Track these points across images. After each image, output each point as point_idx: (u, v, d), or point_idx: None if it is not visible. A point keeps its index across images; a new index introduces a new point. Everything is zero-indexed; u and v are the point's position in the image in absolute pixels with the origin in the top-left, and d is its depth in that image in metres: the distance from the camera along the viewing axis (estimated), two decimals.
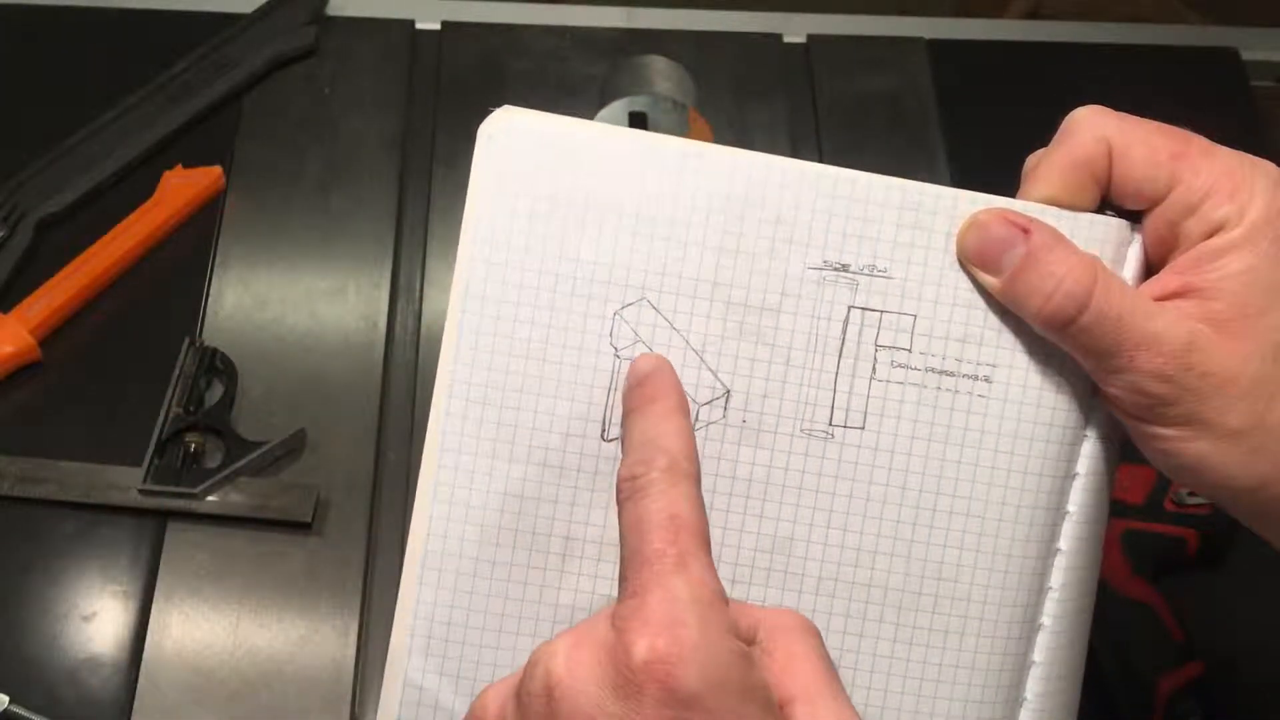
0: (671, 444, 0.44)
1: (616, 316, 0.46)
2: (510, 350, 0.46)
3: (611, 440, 0.46)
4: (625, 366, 0.46)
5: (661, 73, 0.84)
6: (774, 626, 0.43)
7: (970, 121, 0.88)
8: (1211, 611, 0.71)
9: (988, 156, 0.86)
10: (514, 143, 0.46)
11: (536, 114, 0.47)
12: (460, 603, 0.46)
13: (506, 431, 0.46)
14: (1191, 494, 0.71)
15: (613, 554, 0.46)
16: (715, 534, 0.45)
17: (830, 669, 0.43)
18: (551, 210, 0.46)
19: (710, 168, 0.46)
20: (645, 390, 0.45)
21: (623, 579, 0.42)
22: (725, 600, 0.41)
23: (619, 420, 0.46)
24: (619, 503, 0.43)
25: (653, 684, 0.38)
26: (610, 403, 0.46)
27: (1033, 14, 1.43)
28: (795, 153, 0.86)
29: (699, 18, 0.94)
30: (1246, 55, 0.94)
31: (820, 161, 0.85)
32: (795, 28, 0.93)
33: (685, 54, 0.88)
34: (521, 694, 0.41)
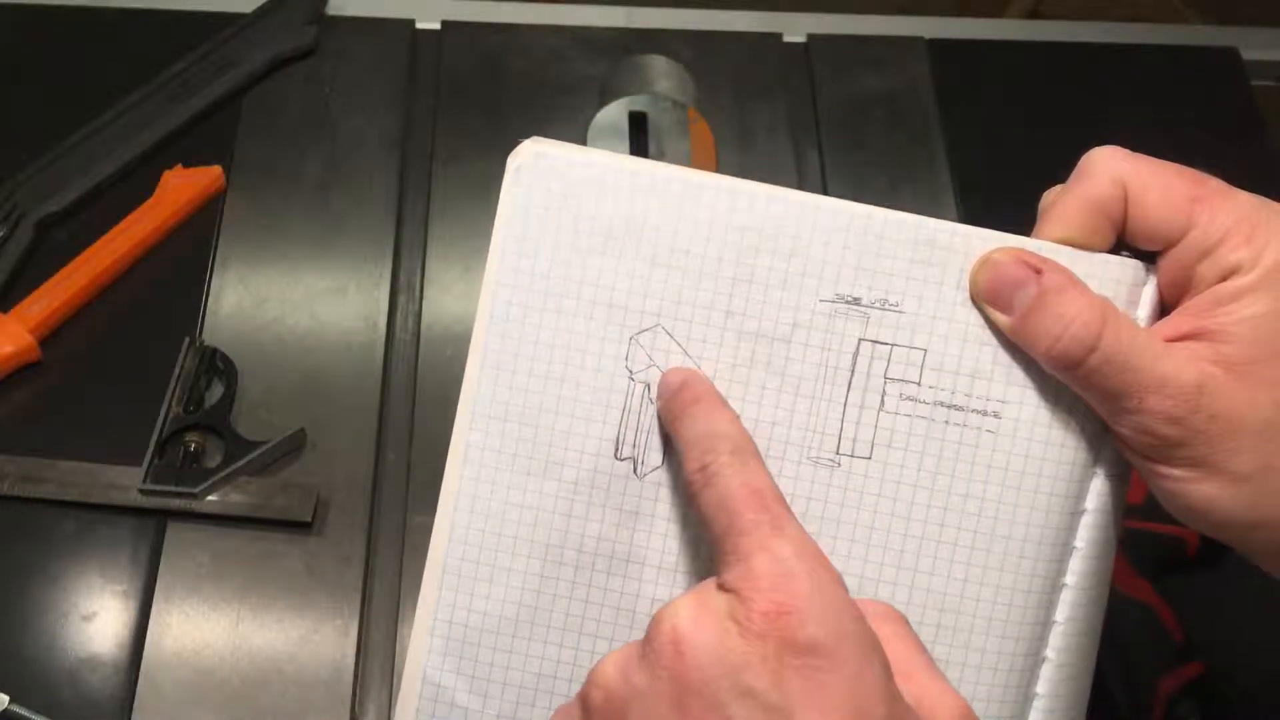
0: (730, 429, 0.45)
1: (632, 341, 0.48)
2: (530, 370, 0.48)
3: (624, 460, 0.48)
4: (639, 390, 0.48)
5: (661, 72, 0.84)
6: (865, 613, 0.43)
7: (970, 121, 0.88)
8: (1211, 611, 0.71)
9: (988, 156, 0.87)
10: (540, 173, 0.48)
11: (562, 145, 0.48)
12: (477, 606, 0.48)
13: (525, 447, 0.48)
14: None
15: (621, 568, 0.48)
16: None
17: (922, 648, 0.44)
18: (574, 239, 0.48)
19: (726, 201, 0.48)
20: (686, 394, 0.47)
21: (722, 554, 0.42)
22: (827, 559, 0.42)
23: (631, 440, 0.48)
24: (693, 495, 0.44)
25: (774, 634, 0.40)
26: (624, 423, 0.48)
27: (1033, 14, 1.43)
28: (796, 152, 0.86)
29: (699, 18, 0.94)
30: (1246, 55, 0.94)
31: (821, 162, 0.85)
32: (795, 28, 0.93)
33: (685, 54, 0.88)
34: (647, 651, 0.42)
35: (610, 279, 0.48)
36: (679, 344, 0.48)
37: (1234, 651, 0.70)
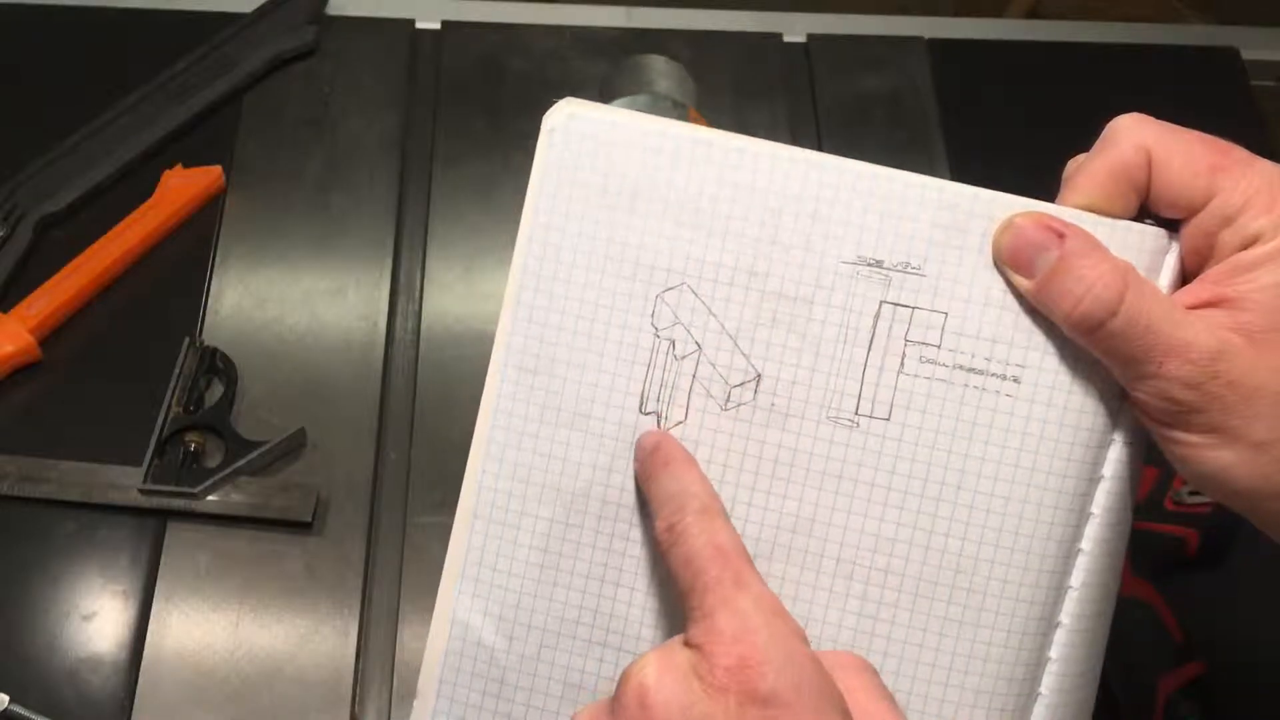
0: (697, 489, 0.47)
1: (658, 299, 0.49)
2: (560, 325, 0.49)
3: (648, 414, 0.49)
4: (664, 346, 0.49)
5: (661, 72, 0.84)
6: (832, 664, 0.44)
7: (970, 121, 0.88)
8: (1211, 611, 0.71)
9: (988, 156, 0.87)
10: (573, 133, 0.50)
11: (596, 106, 0.50)
12: (505, 550, 0.50)
13: (553, 399, 0.49)
14: (1192, 493, 0.71)
15: (643, 520, 0.49)
16: (740, 509, 0.48)
17: (890, 700, 0.45)
18: (604, 198, 0.49)
19: (752, 162, 0.48)
20: (659, 455, 0.48)
21: (689, 610, 0.44)
22: (787, 613, 0.44)
23: (655, 395, 0.49)
24: (663, 554, 0.46)
25: (734, 688, 0.41)
26: (649, 378, 0.49)
27: (1033, 14, 1.43)
28: None
29: (699, 18, 0.94)
30: (1246, 55, 0.94)
31: None
32: (795, 28, 0.93)
33: (685, 54, 0.88)
34: (616, 708, 0.43)
35: (638, 238, 0.49)
36: (703, 302, 0.49)
37: (1234, 651, 0.70)
